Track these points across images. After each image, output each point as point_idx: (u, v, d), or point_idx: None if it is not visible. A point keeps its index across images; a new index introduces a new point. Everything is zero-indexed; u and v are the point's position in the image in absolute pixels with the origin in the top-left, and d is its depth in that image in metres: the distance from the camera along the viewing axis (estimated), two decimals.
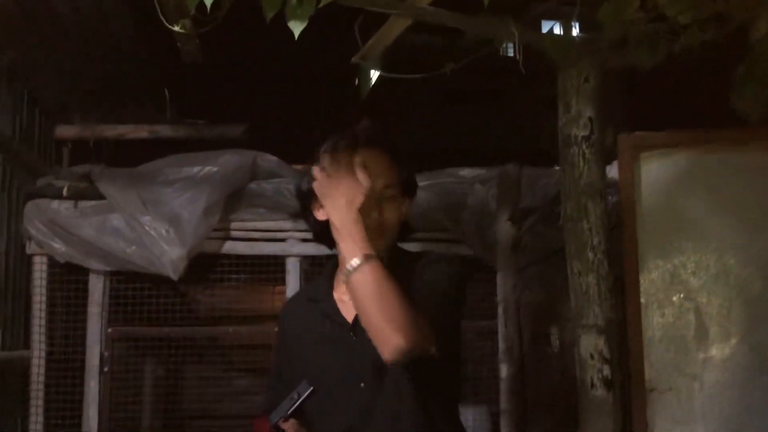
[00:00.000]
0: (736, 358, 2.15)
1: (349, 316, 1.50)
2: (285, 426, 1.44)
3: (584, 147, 2.04)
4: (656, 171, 2.22)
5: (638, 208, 2.20)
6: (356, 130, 1.51)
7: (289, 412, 1.41)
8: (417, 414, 1.44)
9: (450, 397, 1.54)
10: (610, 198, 2.50)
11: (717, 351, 2.15)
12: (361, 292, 1.32)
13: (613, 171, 2.50)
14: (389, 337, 1.29)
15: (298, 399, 1.42)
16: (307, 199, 1.54)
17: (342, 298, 1.52)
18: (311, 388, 1.42)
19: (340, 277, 1.50)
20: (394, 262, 1.47)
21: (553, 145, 2.16)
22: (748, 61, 1.96)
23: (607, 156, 2.23)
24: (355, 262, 1.32)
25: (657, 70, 2.13)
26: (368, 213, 1.41)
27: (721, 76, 2.15)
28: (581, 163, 2.04)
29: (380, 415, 1.45)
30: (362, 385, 1.46)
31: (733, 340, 2.15)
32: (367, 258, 1.32)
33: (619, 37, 2.03)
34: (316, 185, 1.41)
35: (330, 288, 1.57)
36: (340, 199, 1.36)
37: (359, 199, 1.37)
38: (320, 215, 1.50)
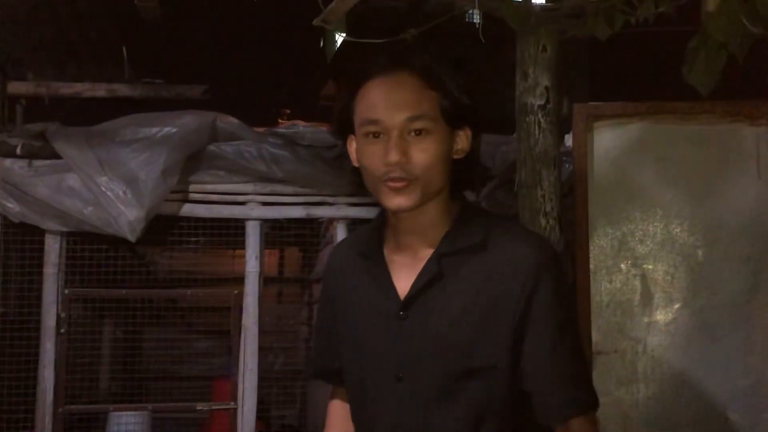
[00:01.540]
0: (678, 322, 2.23)
1: (401, 285, 1.21)
2: None
3: (540, 116, 2.08)
4: (609, 140, 2.27)
5: (590, 176, 2.25)
6: (381, 56, 1.23)
7: None
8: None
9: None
10: (566, 167, 2.56)
11: (661, 315, 2.23)
12: None
13: (570, 140, 2.55)
14: None
15: None
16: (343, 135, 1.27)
17: (393, 257, 1.25)
18: None
19: (390, 231, 1.26)
20: (457, 225, 1.21)
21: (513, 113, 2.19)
22: (698, 36, 2.00)
23: (563, 125, 2.27)
24: None
25: (617, 41, 2.15)
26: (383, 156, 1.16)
27: (678, 49, 2.18)
28: (536, 132, 2.08)
29: (410, 422, 1.17)
30: (400, 375, 1.19)
31: (676, 305, 2.24)
32: None
33: (578, 7, 2.06)
34: None
35: (380, 243, 1.27)
36: None
37: None
38: (355, 162, 1.25)
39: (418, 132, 1.16)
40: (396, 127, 1.16)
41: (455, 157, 1.21)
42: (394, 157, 1.15)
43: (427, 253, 1.21)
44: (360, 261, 1.29)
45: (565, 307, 1.21)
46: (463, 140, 1.22)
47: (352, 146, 1.25)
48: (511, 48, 2.26)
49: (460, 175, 1.22)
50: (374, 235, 1.28)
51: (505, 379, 1.15)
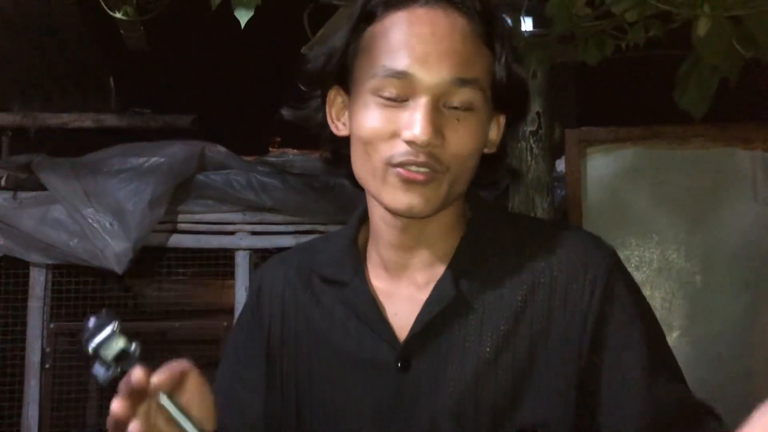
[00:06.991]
0: (677, 351, 2.17)
1: (398, 322, 0.83)
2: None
3: (532, 142, 2.06)
4: (602, 166, 2.25)
5: (584, 202, 2.22)
6: None
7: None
8: None
9: None
10: (559, 192, 2.54)
11: None
12: None
13: (562, 165, 2.53)
14: None
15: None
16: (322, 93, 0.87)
17: (379, 285, 0.86)
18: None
19: (373, 249, 0.88)
20: (474, 228, 0.85)
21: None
22: (689, 60, 1.99)
23: (555, 151, 2.25)
24: None
25: (607, 65, 2.14)
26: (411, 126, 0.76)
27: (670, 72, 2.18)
28: (529, 158, 2.06)
29: None
30: None
31: (675, 334, 2.19)
32: None
33: (567, 32, 2.05)
34: None
35: (359, 264, 0.88)
36: None
37: None
38: (339, 129, 0.86)
39: (462, 101, 0.77)
40: (433, 90, 0.76)
41: (486, 151, 0.84)
42: (424, 133, 0.74)
43: (434, 273, 0.83)
44: (331, 290, 0.88)
45: (650, 320, 0.85)
46: (495, 130, 0.85)
47: (336, 102, 0.85)
48: None
49: (483, 176, 0.85)
50: (349, 252, 0.88)
51: None
